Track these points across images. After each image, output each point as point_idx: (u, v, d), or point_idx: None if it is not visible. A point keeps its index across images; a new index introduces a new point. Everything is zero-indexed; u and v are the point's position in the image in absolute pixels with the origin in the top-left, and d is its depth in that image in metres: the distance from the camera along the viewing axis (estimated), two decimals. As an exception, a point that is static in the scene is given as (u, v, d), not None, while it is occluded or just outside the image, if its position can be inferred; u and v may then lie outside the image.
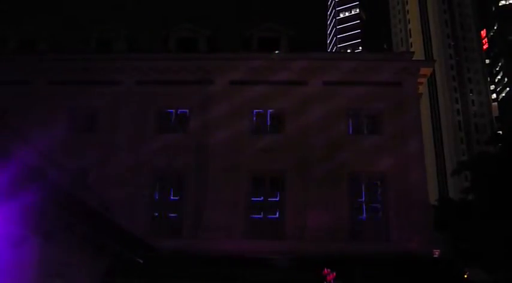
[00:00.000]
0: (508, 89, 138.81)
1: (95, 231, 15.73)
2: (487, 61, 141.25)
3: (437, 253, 21.38)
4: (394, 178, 23.05)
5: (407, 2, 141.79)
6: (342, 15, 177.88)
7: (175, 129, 24.81)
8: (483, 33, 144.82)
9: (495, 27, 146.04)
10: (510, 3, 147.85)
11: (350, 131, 24.38)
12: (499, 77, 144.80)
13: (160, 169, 23.97)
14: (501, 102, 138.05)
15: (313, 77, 24.78)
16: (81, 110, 25.35)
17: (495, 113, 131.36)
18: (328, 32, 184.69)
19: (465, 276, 23.65)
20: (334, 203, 22.62)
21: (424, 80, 25.69)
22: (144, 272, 20.14)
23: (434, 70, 38.40)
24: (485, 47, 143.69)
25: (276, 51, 26.62)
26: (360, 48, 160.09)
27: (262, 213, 23.32)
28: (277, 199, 23.47)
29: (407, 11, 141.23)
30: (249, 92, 24.46)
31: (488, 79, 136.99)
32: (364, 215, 23.08)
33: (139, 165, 23.68)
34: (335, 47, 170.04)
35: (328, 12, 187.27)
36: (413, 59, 26.61)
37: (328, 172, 23.09)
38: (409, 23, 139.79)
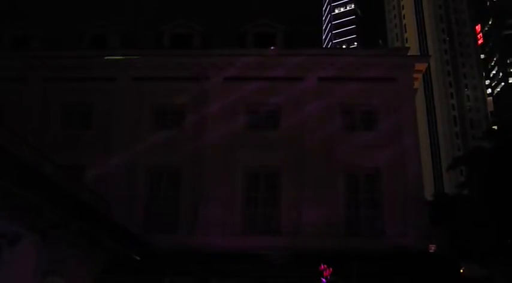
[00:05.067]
0: (503, 83, 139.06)
1: (91, 228, 15.72)
2: (482, 56, 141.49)
3: (433, 248, 21.46)
4: (389, 174, 23.09)
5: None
6: (337, 11, 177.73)
7: (171, 125, 24.74)
8: (478, 28, 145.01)
9: (490, 22, 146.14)
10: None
11: (345, 126, 24.36)
12: (494, 71, 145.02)
13: (156, 165, 23.94)
14: (496, 97, 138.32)
15: (309, 73, 24.76)
16: (76, 106, 25.27)
17: (490, 107, 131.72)
18: (324, 28, 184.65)
19: (461, 271, 23.74)
20: (329, 199, 22.67)
21: (419, 76, 25.71)
22: (140, 268, 20.16)
23: (429, 65, 38.41)
24: (480, 41, 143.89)
25: (272, 47, 26.58)
26: (355, 43, 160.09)
27: (257, 209, 23.34)
28: (273, 195, 23.47)
29: (402, 7, 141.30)
30: (245, 87, 24.43)
31: (483, 74, 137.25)
32: (360, 211, 23.10)
33: (135, 162, 23.65)
34: (330, 43, 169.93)
35: (324, 8, 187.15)
36: (409, 54, 26.63)
37: (323, 168, 23.11)
38: (404, 18, 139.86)
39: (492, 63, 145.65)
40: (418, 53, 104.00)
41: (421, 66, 25.38)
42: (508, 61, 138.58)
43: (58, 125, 24.76)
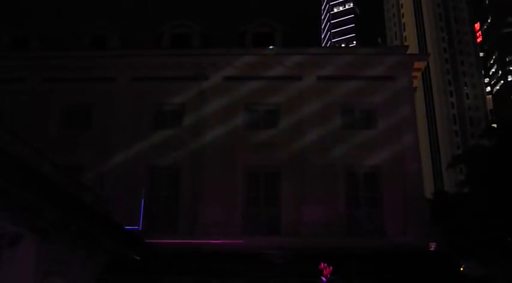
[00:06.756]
0: (502, 81, 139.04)
1: (91, 228, 15.72)
2: (481, 54, 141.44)
3: (433, 246, 21.48)
4: (389, 173, 23.10)
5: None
6: (335, 10, 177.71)
7: (171, 125, 24.76)
8: (477, 26, 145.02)
9: (489, 20, 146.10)
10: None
11: (345, 125, 24.36)
12: (493, 70, 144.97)
13: (156, 165, 23.94)
14: (495, 95, 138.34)
15: (308, 72, 24.78)
16: (76, 107, 25.28)
17: (489, 105, 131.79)
18: (323, 27, 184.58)
19: (461, 269, 23.77)
20: (329, 198, 22.69)
21: (418, 74, 25.74)
22: (140, 268, 20.16)
23: (428, 64, 38.44)
24: (479, 40, 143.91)
25: (271, 47, 26.58)
26: (354, 42, 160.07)
27: (258, 209, 23.35)
28: (273, 195, 23.48)
29: (401, 5, 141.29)
30: (244, 87, 24.45)
31: (483, 72, 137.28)
32: (360, 209, 23.12)
33: (135, 162, 23.66)
34: (329, 42, 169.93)
35: (322, 7, 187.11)
36: (408, 52, 26.64)
37: (323, 167, 23.14)
38: (403, 17, 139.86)
39: (491, 61, 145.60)
40: (417, 52, 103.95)
41: (420, 64, 25.40)
42: (507, 59, 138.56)
43: (58, 125, 24.77)
